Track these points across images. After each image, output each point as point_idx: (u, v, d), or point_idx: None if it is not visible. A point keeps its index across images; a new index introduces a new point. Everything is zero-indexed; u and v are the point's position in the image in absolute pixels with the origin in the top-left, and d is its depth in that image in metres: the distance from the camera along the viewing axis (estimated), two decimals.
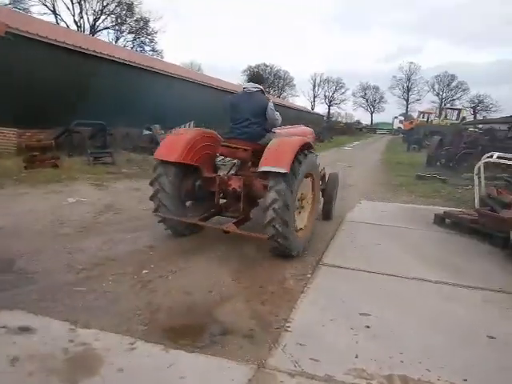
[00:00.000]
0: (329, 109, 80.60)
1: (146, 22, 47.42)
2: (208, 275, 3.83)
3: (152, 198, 4.70)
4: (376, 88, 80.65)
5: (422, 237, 5.38)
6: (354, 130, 55.05)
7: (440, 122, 26.35)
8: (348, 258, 4.39)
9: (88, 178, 8.09)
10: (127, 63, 15.70)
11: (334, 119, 68.51)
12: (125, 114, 13.75)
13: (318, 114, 63.39)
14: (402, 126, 59.63)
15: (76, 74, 12.85)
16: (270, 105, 4.81)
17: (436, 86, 76.14)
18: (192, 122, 15.95)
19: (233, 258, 4.31)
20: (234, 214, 4.82)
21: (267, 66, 78.61)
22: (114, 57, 14.80)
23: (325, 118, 62.55)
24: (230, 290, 3.54)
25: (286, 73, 79.04)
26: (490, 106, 69.26)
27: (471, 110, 67.09)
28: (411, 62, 78.39)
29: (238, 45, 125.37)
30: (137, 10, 44.96)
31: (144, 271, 3.82)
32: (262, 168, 4.14)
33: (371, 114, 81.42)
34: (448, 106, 42.10)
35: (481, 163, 6.51)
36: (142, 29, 47.86)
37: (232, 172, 5.32)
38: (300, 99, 79.10)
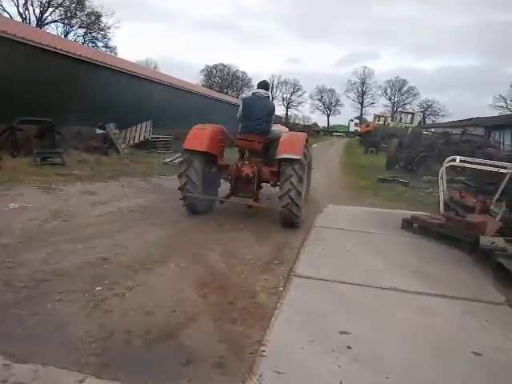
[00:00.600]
0: (287, 111, 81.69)
1: (98, 16, 45.77)
2: (171, 291, 3.45)
3: (180, 177, 5.96)
4: (332, 91, 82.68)
5: (391, 242, 5.25)
6: (311, 132, 55.86)
7: (395, 125, 27.11)
8: (320, 268, 4.15)
9: (34, 180, 7.41)
10: (78, 57, 14.81)
11: (291, 121, 69.28)
12: (76, 112, 12.94)
13: (276, 116, 63.63)
14: (357, 128, 61.21)
15: (21, 68, 11.91)
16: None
17: (388, 91, 79.17)
18: (149, 122, 15.33)
19: (198, 270, 3.96)
20: (247, 194, 6.00)
21: (225, 67, 78.67)
22: (62, 50, 13.88)
23: (283, 120, 63.07)
24: (196, 308, 3.18)
25: (244, 74, 79.40)
26: (438, 110, 72.79)
27: (421, 114, 69.94)
28: (365, 67, 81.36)
29: (195, 44, 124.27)
30: (88, 3, 43.32)
31: (97, 288, 3.38)
32: (282, 155, 5.58)
33: (328, 116, 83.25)
34: (401, 109, 43.46)
35: (444, 167, 6.51)
36: (93, 24, 46.11)
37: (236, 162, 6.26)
38: None
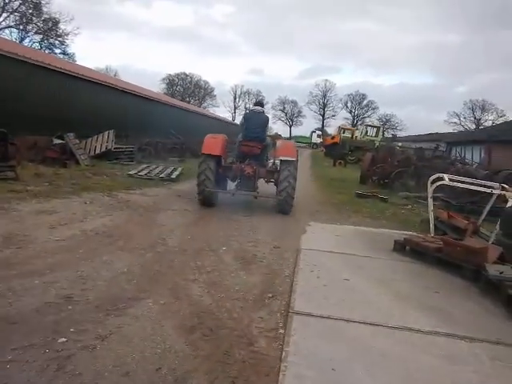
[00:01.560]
0: None
1: (56, 22, 43.89)
2: (152, 339, 2.85)
3: (199, 175, 7.35)
4: (294, 102, 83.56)
5: (389, 268, 4.85)
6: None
7: (362, 138, 27.44)
8: (321, 302, 3.67)
9: None
10: (34, 63, 13.78)
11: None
12: (32, 121, 11.93)
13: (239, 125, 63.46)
14: (320, 140, 61.98)
15: None
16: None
17: (349, 104, 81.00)
18: (112, 131, 14.45)
19: (181, 308, 3.38)
20: (249, 189, 7.64)
21: (187, 76, 77.92)
22: (17, 55, 12.84)
23: None
24: (186, 363, 2.61)
25: (206, 83, 78.98)
26: (396, 124, 75.26)
27: (362, 126, 72.31)
28: (326, 80, 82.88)
29: (157, 53, 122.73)
30: (45, 9, 41.35)
31: (60, 340, 2.73)
32: (280, 157, 7.40)
33: (290, 127, 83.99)
34: (370, 123, 44.34)
35: (432, 186, 6.25)
36: (50, 30, 44.23)
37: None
38: (220, 110, 79.03)
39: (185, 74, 77.71)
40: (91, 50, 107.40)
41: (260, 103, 8.72)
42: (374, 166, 12.59)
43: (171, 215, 6.71)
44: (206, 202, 7.57)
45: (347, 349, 2.92)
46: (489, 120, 67.61)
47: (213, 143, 7.54)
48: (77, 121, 15.37)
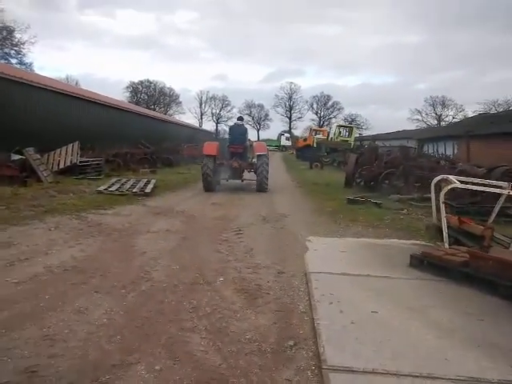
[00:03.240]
0: (216, 126, 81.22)
1: (11, 31, 41.89)
2: None
3: (202, 167, 11.14)
4: (261, 106, 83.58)
5: (414, 291, 4.19)
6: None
7: (335, 139, 27.12)
8: (355, 349, 2.94)
9: None
10: None
11: (220, 136, 68.82)
12: None
13: (208, 131, 62.90)
14: (289, 142, 61.76)
15: None
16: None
17: (314, 105, 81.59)
18: (77, 143, 13.36)
19: (184, 375, 2.57)
20: (237, 177, 11.79)
21: (151, 83, 76.38)
22: None
23: (219, 137, 62.34)
24: None
25: (171, 90, 77.73)
26: (362, 123, 76.29)
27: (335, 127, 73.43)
28: (291, 82, 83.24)
29: (120, 62, 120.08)
30: None
31: None
32: (257, 153, 11.38)
33: (257, 130, 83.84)
34: (340, 123, 44.30)
35: (445, 189, 5.67)
36: (5, 39, 42.10)
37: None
38: (186, 116, 77.65)
39: (148, 81, 76.33)
40: (51, 60, 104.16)
41: (240, 118, 13.39)
42: (359, 168, 12.08)
43: (152, 239, 5.85)
44: (209, 187, 11.35)
45: None
46: (449, 115, 69.94)
47: (210, 147, 11.57)
48: (37, 133, 14.18)
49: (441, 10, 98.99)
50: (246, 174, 12.32)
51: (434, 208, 6.77)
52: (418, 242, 6.16)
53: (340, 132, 28.87)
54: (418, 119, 71.61)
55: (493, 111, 57.54)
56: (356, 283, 4.35)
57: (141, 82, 75.94)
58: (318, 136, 31.61)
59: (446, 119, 70.04)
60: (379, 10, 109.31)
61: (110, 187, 10.48)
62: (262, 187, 11.41)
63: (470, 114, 64.48)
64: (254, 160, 11.83)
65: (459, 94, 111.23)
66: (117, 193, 9.93)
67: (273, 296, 3.96)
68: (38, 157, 11.65)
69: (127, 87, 74.93)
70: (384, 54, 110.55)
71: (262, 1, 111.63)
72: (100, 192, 9.85)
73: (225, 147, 12.63)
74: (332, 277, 4.52)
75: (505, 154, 17.89)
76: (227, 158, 12.17)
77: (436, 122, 71.08)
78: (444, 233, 5.60)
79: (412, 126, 65.05)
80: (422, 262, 4.92)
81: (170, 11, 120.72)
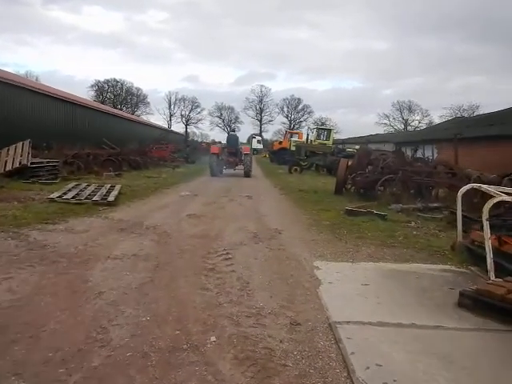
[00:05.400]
0: (186, 128, 79.59)
1: None
2: None
3: (209, 162, 18.78)
4: (231, 108, 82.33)
5: (486, 352, 2.96)
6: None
7: (313, 142, 26.03)
8: None
9: None
10: None
11: (190, 138, 67.09)
12: None
13: (178, 133, 61.14)
14: (260, 145, 60.53)
15: None
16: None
17: (285, 109, 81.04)
18: (28, 142, 11.60)
19: None
20: (231, 168, 19.79)
21: (118, 82, 73.87)
22: None
23: (189, 139, 60.76)
24: None
25: (139, 90, 75.47)
26: (331, 127, 76.19)
27: (309, 130, 73.67)
28: (262, 85, 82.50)
29: (87, 60, 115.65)
30: None
31: None
32: (244, 152, 19.48)
33: (228, 133, 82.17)
34: (319, 126, 43.39)
35: (490, 203, 4.52)
36: None
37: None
38: (155, 117, 75.00)
39: (115, 80, 73.70)
40: (14, 56, 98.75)
41: (233, 130, 32.91)
42: (350, 173, 10.93)
43: (113, 269, 4.37)
44: (215, 174, 18.03)
45: None
46: (415, 120, 71.12)
47: (215, 148, 19.13)
48: None
49: (408, 16, 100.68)
50: (238, 167, 19.63)
51: (459, 223, 5.68)
52: (447, 266, 5.01)
53: (319, 134, 27.85)
54: (385, 123, 72.44)
55: (458, 115, 58.99)
56: (404, 341, 3.08)
57: (107, 81, 73.32)
58: (293, 139, 30.57)
59: (413, 123, 71.27)
60: (350, 15, 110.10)
61: (65, 194, 8.86)
62: (247, 173, 18.63)
63: (436, 119, 66.03)
64: (243, 157, 19.17)
65: (424, 99, 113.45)
66: (73, 201, 8.32)
67: (294, 371, 2.63)
68: None
69: (92, 86, 72.10)
70: (353, 59, 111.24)
71: (234, 3, 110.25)
72: (52, 200, 8.22)
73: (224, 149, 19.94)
74: (368, 330, 3.23)
75: (488, 157, 17.36)
76: (226, 155, 19.39)
77: (403, 126, 72.14)
78: (488, 259, 4.44)
79: (380, 130, 65.59)
80: (476, 302, 3.72)
81: (141, 10, 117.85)
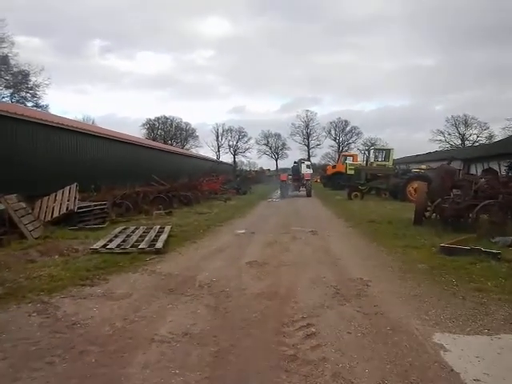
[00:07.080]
0: (234, 158, 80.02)
1: (26, 75, 41.24)
2: None
3: (280, 186, 25.60)
4: (278, 135, 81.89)
5: None
6: (265, 177, 53.45)
7: (371, 165, 24.33)
8: None
9: None
10: None
11: (238, 168, 67.03)
12: None
13: (227, 164, 61.27)
14: (310, 170, 58.97)
15: None
16: None
17: (332, 132, 79.41)
18: (75, 185, 11.06)
19: None
20: (296, 191, 24.60)
21: (167, 119, 75.90)
22: None
23: (238, 168, 60.63)
24: None
25: (187, 124, 77.34)
26: (382, 147, 73.18)
27: (366, 151, 71.18)
28: (307, 110, 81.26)
29: (140, 101, 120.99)
30: (13, 62, 38.84)
31: None
32: (306, 178, 25.04)
33: (276, 160, 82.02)
34: (370, 147, 41.47)
35: None
36: (20, 83, 41.43)
37: None
38: (204, 150, 76.09)
39: (165, 117, 76.12)
40: (74, 104, 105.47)
41: (296, 162, 28.58)
42: (431, 199, 9.31)
43: (158, 362, 3.18)
44: (284, 196, 23.18)
45: None
46: (473, 134, 66.54)
47: (283, 176, 25.17)
48: (22, 175, 11.96)
49: (452, 31, 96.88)
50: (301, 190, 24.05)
51: None
52: None
53: (376, 156, 26.07)
54: (440, 140, 68.44)
55: None
56: None
57: (157, 119, 75.75)
58: (348, 161, 28.94)
59: (470, 138, 66.74)
60: (391, 35, 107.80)
61: (110, 241, 7.97)
62: (309, 193, 22.79)
63: (496, 131, 61.19)
64: (304, 181, 23.85)
65: (479, 112, 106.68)
66: (117, 250, 7.38)
67: None
68: (23, 206, 9.30)
69: (144, 124, 74.68)
70: (398, 77, 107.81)
71: (275, 34, 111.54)
72: (95, 251, 7.32)
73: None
74: None
75: None
76: (291, 180, 24.26)
77: (460, 141, 67.84)
78: None
79: (435, 148, 61.81)
80: None
81: (189, 51, 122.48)
